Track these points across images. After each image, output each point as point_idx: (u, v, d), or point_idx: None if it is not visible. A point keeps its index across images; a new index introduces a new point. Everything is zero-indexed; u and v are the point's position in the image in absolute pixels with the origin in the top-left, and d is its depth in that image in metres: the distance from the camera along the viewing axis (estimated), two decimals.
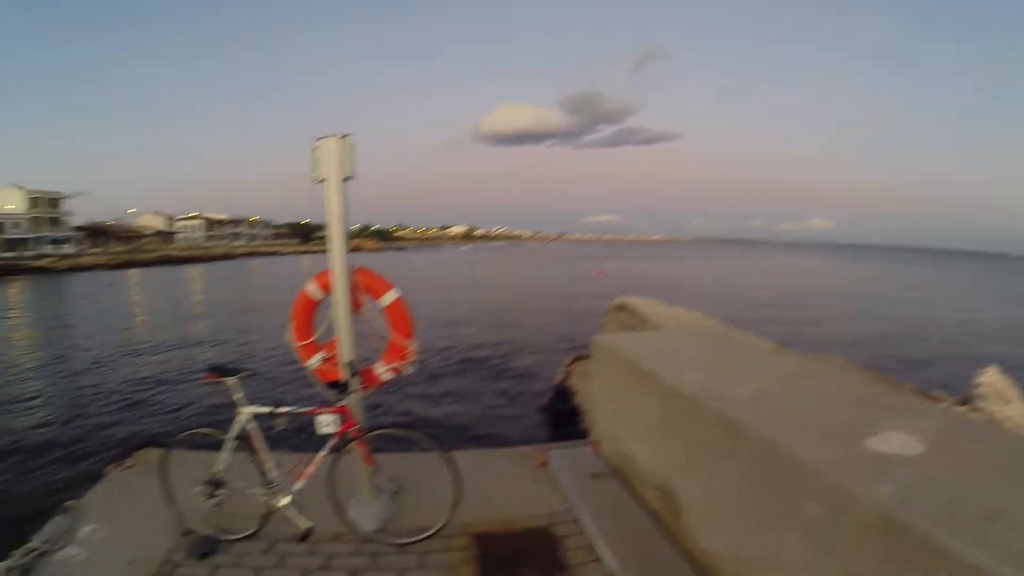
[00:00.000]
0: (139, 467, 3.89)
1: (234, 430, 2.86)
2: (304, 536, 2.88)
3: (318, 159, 2.81)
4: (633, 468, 3.45)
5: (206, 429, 2.94)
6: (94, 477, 3.86)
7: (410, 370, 3.28)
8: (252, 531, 2.99)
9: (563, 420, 6.82)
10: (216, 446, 2.90)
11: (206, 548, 2.90)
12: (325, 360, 3.25)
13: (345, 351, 2.97)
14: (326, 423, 2.82)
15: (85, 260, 60.55)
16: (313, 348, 3.28)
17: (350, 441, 2.88)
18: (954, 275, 71.01)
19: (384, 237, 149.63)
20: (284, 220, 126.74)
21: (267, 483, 2.93)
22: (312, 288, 3.20)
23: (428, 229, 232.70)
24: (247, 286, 38.35)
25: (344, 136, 2.80)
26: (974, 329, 22.81)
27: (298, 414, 2.84)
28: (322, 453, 2.88)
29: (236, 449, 2.88)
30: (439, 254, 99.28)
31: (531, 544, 3.06)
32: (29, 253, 60.90)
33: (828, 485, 1.84)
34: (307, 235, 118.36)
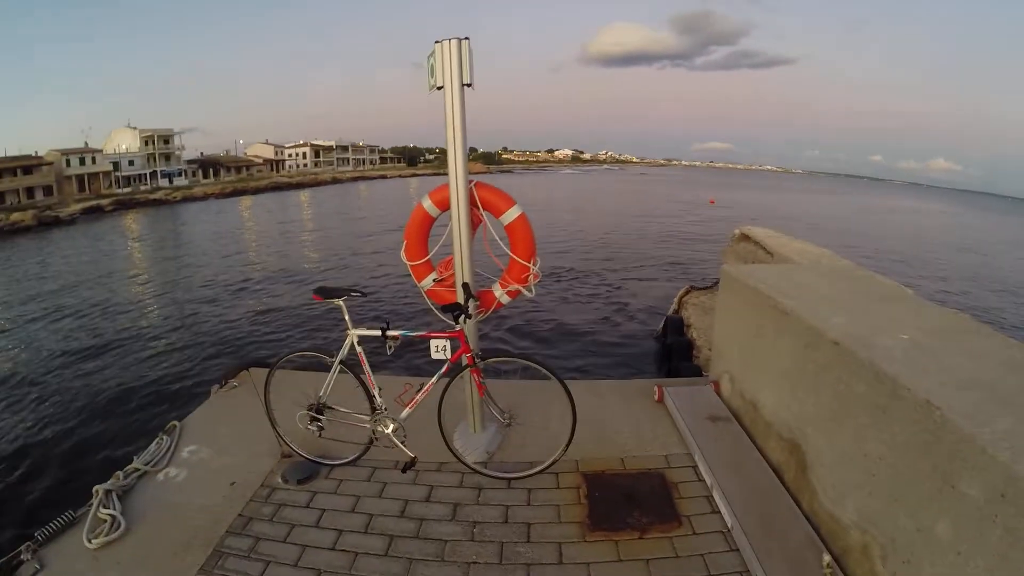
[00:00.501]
0: (243, 388, 3.92)
1: (342, 352, 2.78)
2: (407, 466, 2.82)
3: (435, 64, 2.58)
4: (756, 414, 3.18)
5: (312, 351, 2.90)
6: (201, 397, 3.99)
7: (530, 294, 3.10)
8: (353, 457, 2.97)
9: (676, 354, 6.48)
10: (322, 369, 2.86)
11: (305, 472, 2.93)
12: (439, 281, 3.14)
13: (462, 271, 2.84)
14: (439, 348, 2.72)
15: (197, 191, 64.99)
16: (427, 268, 3.17)
17: (463, 368, 2.77)
18: None
19: (490, 160, 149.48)
20: (391, 145, 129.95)
21: (372, 409, 2.86)
22: (428, 204, 3.03)
23: (534, 152, 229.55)
24: (354, 209, 40.03)
25: (463, 39, 2.53)
26: None
27: (410, 338, 2.74)
28: (432, 380, 2.78)
29: (342, 372, 2.82)
30: (546, 177, 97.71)
31: (645, 488, 2.88)
32: (144, 188, 66.21)
33: (994, 464, 1.50)
34: (413, 159, 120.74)
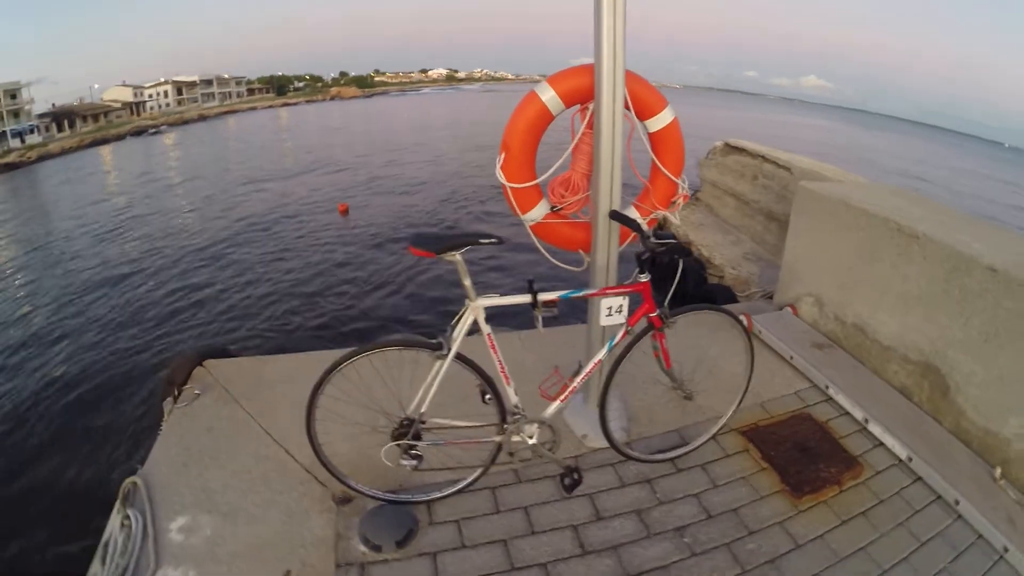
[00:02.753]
0: (208, 394, 2.53)
1: (456, 336, 1.77)
2: (572, 480, 2.03)
3: None
4: (864, 338, 3.06)
5: (402, 341, 1.79)
6: (147, 423, 2.71)
7: (676, 220, 2.40)
8: (465, 483, 2.02)
9: (691, 276, 5.84)
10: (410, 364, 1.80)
11: (401, 524, 1.85)
12: (556, 211, 2.29)
13: (611, 195, 2.03)
14: (614, 308, 1.91)
15: (54, 147, 57.80)
16: (536, 193, 2.26)
17: (647, 331, 1.97)
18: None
19: (364, 84, 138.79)
20: (257, 75, 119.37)
21: (503, 413, 1.91)
22: (549, 95, 2.07)
23: (408, 73, 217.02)
24: (225, 146, 35.11)
25: None
26: None
27: (576, 299, 1.87)
28: (601, 353, 1.98)
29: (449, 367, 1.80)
30: (425, 99, 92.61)
31: (807, 433, 2.49)
32: None
33: None
34: (283, 88, 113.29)
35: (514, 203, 2.21)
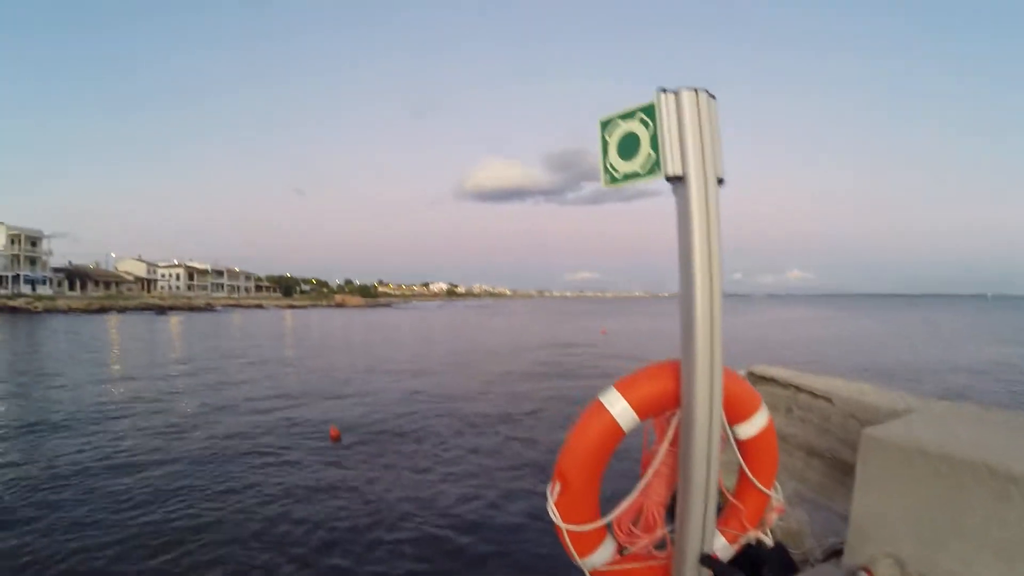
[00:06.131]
0: None
1: None
2: None
3: (662, 135, 1.35)
4: None
5: None
6: None
7: (769, 541, 1.76)
8: None
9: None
10: None
11: None
12: (625, 555, 1.62)
13: (701, 532, 1.41)
14: None
15: (61, 303, 59.66)
16: (601, 532, 1.60)
17: None
18: (968, 317, 67.79)
19: (367, 293, 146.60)
20: (266, 272, 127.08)
21: None
22: (619, 408, 1.51)
23: (410, 286, 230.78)
24: (230, 341, 35.14)
25: (709, 94, 1.37)
26: None
27: None
28: None
29: None
30: (428, 312, 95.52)
31: None
32: (3, 292, 59.67)
33: None
34: (289, 289, 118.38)
35: (571, 547, 1.55)
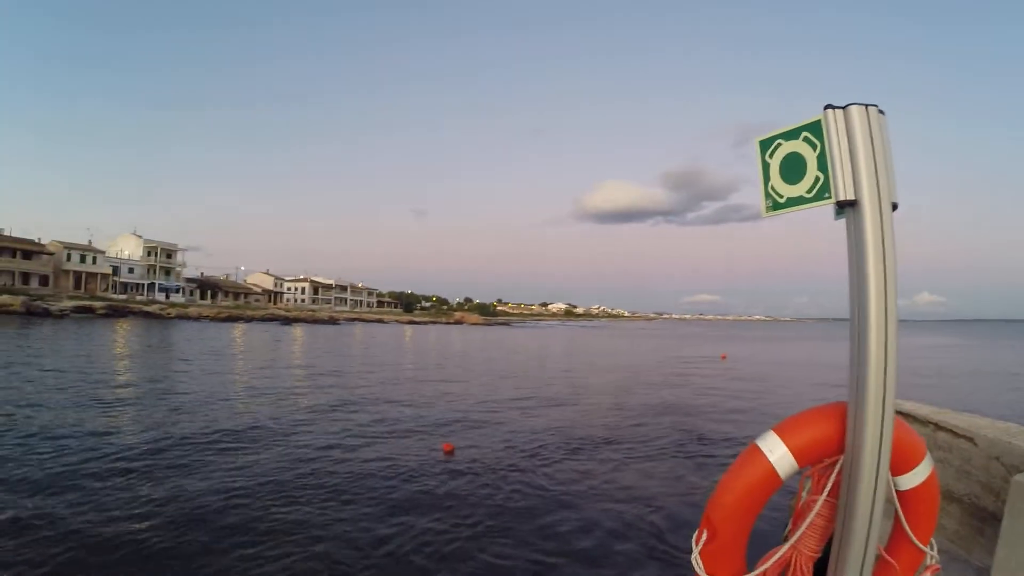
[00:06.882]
0: None
1: None
2: None
3: (831, 157, 1.25)
4: None
5: None
6: None
7: None
8: None
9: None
10: None
11: None
12: None
13: None
14: None
15: (192, 311, 64.92)
16: None
17: None
18: None
19: (486, 311, 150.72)
20: (388, 288, 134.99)
21: None
22: (779, 455, 1.39)
23: (529, 305, 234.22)
24: (350, 349, 37.43)
25: (876, 108, 1.25)
26: None
27: None
28: None
29: None
30: (548, 331, 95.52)
31: None
32: (141, 298, 67.00)
33: None
34: (410, 305, 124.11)
35: None
